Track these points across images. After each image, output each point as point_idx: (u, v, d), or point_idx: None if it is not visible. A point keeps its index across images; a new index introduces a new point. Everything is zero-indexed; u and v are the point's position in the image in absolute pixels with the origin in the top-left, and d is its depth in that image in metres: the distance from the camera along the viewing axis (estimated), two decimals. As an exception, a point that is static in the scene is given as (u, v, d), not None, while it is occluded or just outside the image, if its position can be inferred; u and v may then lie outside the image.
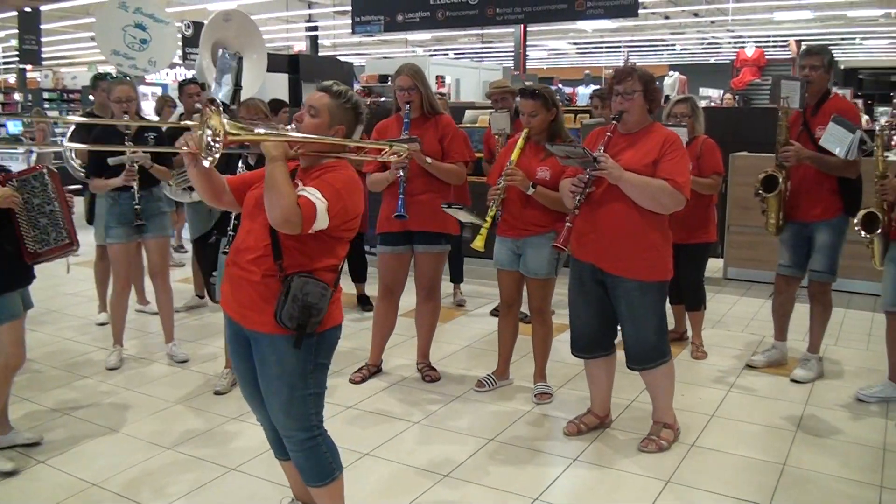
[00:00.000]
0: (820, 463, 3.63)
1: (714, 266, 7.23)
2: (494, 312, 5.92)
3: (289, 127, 2.65)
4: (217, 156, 2.37)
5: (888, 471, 3.54)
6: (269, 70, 9.91)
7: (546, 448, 3.80)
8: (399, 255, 4.51)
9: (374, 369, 4.70)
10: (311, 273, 2.56)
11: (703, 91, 20.72)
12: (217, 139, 2.35)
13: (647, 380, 3.77)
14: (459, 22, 10.69)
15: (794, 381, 4.64)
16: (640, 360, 3.67)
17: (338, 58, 16.10)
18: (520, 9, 9.72)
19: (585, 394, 4.27)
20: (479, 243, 3.97)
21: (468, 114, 7.90)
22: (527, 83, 13.04)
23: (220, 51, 5.68)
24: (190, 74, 9.73)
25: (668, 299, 3.84)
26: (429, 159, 4.15)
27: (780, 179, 4.47)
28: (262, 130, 2.51)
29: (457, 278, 6.50)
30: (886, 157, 4.22)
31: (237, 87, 5.08)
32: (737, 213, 7.02)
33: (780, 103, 4.44)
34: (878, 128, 4.42)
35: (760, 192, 4.53)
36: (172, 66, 13.10)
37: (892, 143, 8.09)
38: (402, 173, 4.21)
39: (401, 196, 4.20)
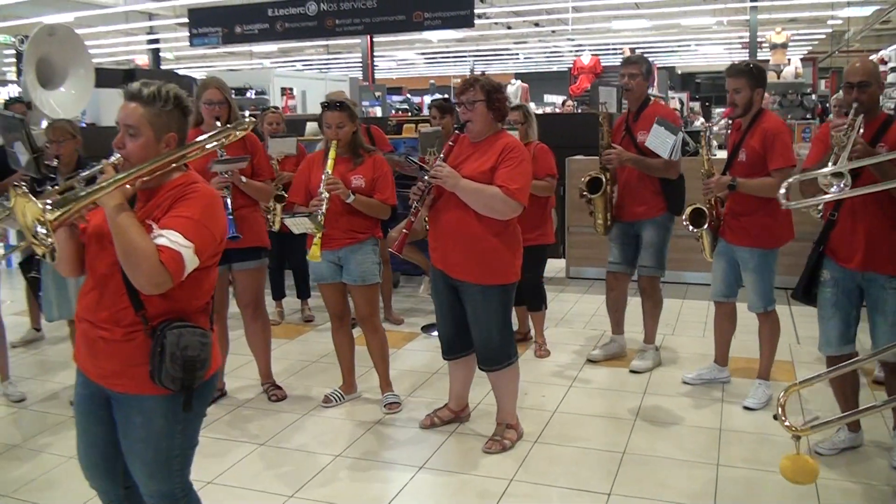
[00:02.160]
0: (659, 447, 3.81)
1: (556, 266, 7.47)
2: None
3: (113, 158, 2.18)
4: (52, 243, 2.01)
5: (724, 450, 3.76)
6: (102, 85, 9.44)
7: (394, 458, 3.80)
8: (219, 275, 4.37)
9: (217, 394, 4.54)
10: (183, 319, 2.23)
11: (548, 97, 21.43)
12: (44, 228, 2.00)
13: (493, 381, 3.86)
14: (299, 33, 10.64)
15: (632, 371, 4.85)
16: (488, 362, 3.76)
17: (176, 71, 15.60)
18: (359, 20, 9.77)
19: (434, 400, 4.34)
20: (315, 252, 4.01)
21: (310, 126, 7.72)
22: (375, 93, 13.11)
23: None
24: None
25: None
26: (243, 178, 4.14)
27: (604, 181, 4.67)
28: (86, 191, 2.07)
29: (303, 294, 6.40)
30: (714, 156, 4.48)
31: (36, 152, 4.43)
32: (575, 215, 7.16)
33: (600, 108, 4.65)
34: (702, 128, 4.69)
35: (585, 193, 4.71)
36: (4, 83, 12.28)
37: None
38: (226, 192, 4.11)
39: (229, 216, 4.05)
